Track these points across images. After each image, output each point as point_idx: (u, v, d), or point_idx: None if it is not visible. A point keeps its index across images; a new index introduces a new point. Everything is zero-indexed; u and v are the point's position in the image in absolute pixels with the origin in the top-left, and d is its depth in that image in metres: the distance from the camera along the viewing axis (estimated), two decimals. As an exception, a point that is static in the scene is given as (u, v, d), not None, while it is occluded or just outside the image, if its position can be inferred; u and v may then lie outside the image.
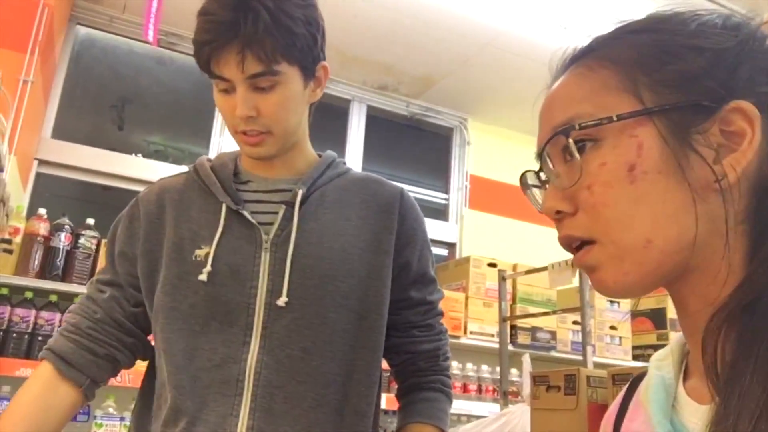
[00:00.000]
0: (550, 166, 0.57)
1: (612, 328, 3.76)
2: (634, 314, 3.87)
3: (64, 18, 3.31)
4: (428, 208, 4.35)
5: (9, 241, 2.44)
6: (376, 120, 4.22)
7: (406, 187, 3.84)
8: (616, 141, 0.53)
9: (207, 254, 1.03)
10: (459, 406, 3.17)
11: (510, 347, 3.37)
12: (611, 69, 0.55)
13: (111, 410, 2.54)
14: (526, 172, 0.61)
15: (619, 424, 0.64)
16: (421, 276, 1.17)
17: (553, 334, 3.55)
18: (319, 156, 1.19)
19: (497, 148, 4.35)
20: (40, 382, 1.03)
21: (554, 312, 2.78)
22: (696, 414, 0.54)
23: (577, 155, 0.53)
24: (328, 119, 4.18)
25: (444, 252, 4.28)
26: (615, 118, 0.52)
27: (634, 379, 0.68)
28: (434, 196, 4.39)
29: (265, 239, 1.05)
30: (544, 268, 2.46)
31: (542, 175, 0.59)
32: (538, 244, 3.78)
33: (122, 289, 1.12)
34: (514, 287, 3.49)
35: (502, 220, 4.24)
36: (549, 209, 0.56)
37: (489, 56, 3.61)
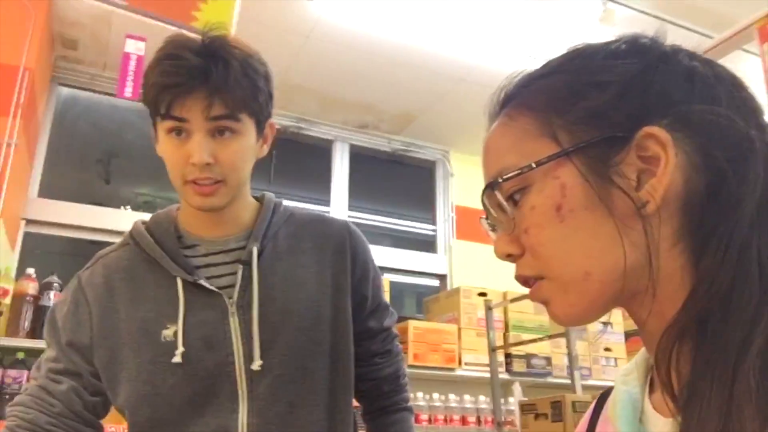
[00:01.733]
0: (493, 214, 0.59)
1: (607, 349, 3.77)
2: (628, 334, 3.88)
3: (46, 79, 3.38)
4: (416, 241, 4.38)
5: (-3, 303, 2.45)
6: (359, 157, 4.28)
7: (393, 221, 3.86)
8: (541, 185, 0.55)
9: (176, 332, 1.02)
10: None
11: (506, 375, 3.39)
12: (528, 116, 0.57)
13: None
14: (482, 219, 0.64)
15: None
16: (377, 306, 1.21)
17: (548, 359, 3.56)
18: (257, 200, 1.18)
19: (480, 178, 4.40)
20: None
21: (542, 339, 2.80)
22: (662, 427, 0.54)
23: (505, 206, 0.56)
24: (313, 160, 4.24)
25: (435, 283, 4.30)
26: (534, 165, 0.54)
27: (602, 395, 0.68)
28: (422, 228, 4.43)
29: (230, 303, 1.05)
30: (527, 295, 2.48)
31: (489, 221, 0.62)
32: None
33: (81, 378, 1.07)
34: (506, 315, 3.51)
35: (490, 248, 4.26)
36: (500, 254, 0.59)
37: (464, 91, 3.69)
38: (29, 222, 3.28)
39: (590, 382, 3.60)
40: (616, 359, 3.76)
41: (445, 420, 3.27)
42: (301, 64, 3.52)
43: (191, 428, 1.01)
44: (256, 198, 1.19)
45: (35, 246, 3.51)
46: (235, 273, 1.07)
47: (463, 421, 3.29)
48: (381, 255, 4.11)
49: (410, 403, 1.25)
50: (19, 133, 2.77)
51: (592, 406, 0.69)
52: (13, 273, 2.87)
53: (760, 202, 0.49)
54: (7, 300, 2.57)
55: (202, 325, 1.03)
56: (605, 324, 3.88)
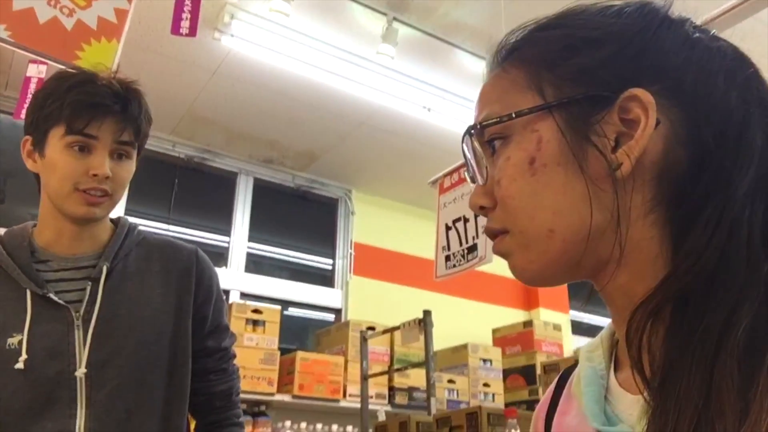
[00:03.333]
0: (472, 163, 0.59)
1: (485, 385, 3.98)
2: (507, 371, 4.12)
3: (-58, 94, 3.33)
4: (315, 275, 4.51)
5: None
6: (263, 191, 4.39)
7: (293, 254, 3.97)
8: (520, 137, 0.54)
9: (20, 341, 1.09)
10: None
11: (389, 408, 3.54)
12: (520, 68, 0.56)
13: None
14: (463, 172, 0.68)
15: (551, 418, 0.63)
16: (216, 326, 1.33)
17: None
18: (112, 222, 1.29)
19: (379, 217, 4.62)
20: None
21: (405, 368, 2.98)
22: (629, 404, 0.53)
23: (481, 152, 0.57)
24: (216, 191, 4.31)
25: (331, 317, 4.42)
26: (514, 115, 0.54)
27: (564, 372, 0.68)
28: (321, 263, 4.56)
29: (76, 316, 1.14)
30: (398, 327, 2.66)
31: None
32: (419, 306, 4.00)
33: None
34: (392, 349, 3.67)
35: (385, 285, 4.45)
36: (473, 205, 0.58)
37: (364, 133, 3.90)
38: None
39: (470, 416, 3.80)
40: (494, 395, 3.98)
41: (327, 450, 3.36)
42: (207, 97, 3.63)
43: (33, 430, 1.08)
44: (112, 221, 1.30)
45: None
46: (84, 289, 1.17)
47: (345, 451, 3.40)
48: (279, 288, 4.20)
49: (242, 419, 1.35)
50: None
51: (555, 382, 0.68)
52: None
53: (753, 181, 0.48)
54: None
55: (47, 335, 1.12)
56: (485, 361, 4.12)
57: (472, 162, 0.59)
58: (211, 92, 3.59)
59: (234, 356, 1.38)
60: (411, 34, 3.19)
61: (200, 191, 4.28)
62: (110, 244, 1.23)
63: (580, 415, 0.57)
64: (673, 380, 0.44)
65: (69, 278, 1.18)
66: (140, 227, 1.32)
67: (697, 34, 0.55)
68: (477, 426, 1.59)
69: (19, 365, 1.08)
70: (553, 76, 0.54)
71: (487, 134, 0.57)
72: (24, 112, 2.60)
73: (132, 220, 3.54)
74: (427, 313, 2.58)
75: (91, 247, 1.22)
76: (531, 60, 0.56)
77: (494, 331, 4.34)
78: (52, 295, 1.14)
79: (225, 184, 4.30)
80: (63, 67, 1.47)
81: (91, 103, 1.15)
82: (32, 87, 2.62)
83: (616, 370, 0.58)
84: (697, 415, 0.42)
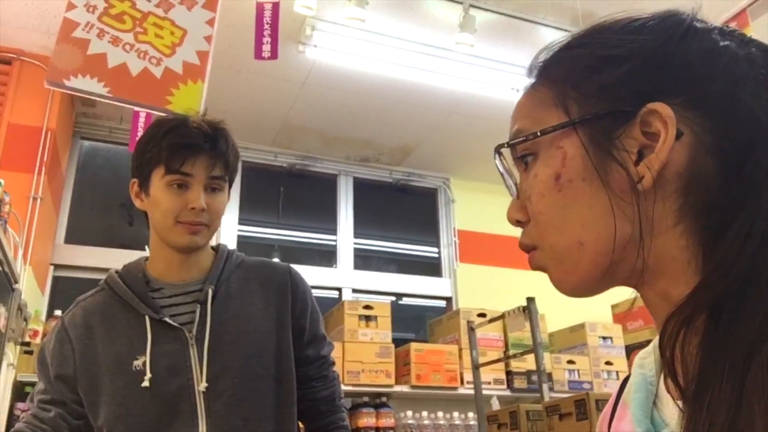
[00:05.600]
0: (505, 178, 0.60)
1: (607, 363, 3.89)
2: (630, 348, 3.99)
3: (68, 135, 3.69)
4: (422, 264, 4.57)
5: (28, 344, 2.72)
6: (363, 188, 4.51)
7: (398, 246, 4.06)
8: (546, 153, 0.56)
9: (144, 362, 1.23)
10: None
11: (507, 392, 3.55)
12: (548, 86, 0.58)
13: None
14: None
15: (611, 424, 0.65)
16: (314, 336, 1.41)
17: (549, 375, 3.69)
18: (213, 249, 1.41)
19: (480, 202, 4.60)
20: None
21: (514, 356, 2.98)
22: (673, 409, 0.54)
23: (511, 169, 0.59)
24: (318, 193, 4.48)
25: (442, 304, 4.47)
26: (539, 133, 0.56)
27: (625, 379, 0.68)
28: (427, 251, 4.62)
29: (190, 336, 1.27)
30: (503, 316, 2.66)
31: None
32: (530, 288, 3.97)
33: (66, 406, 1.28)
34: (505, 334, 3.67)
35: (493, 269, 4.44)
36: (510, 219, 0.60)
37: (456, 122, 3.91)
38: (57, 267, 3.57)
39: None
40: (617, 372, 3.88)
41: (450, 437, 3.43)
42: (300, 107, 3.78)
43: None
44: (212, 248, 1.42)
45: (64, 290, 3.79)
46: (194, 311, 1.30)
47: (468, 437, 3.44)
48: (388, 281, 4.31)
49: (347, 422, 1.44)
50: (44, 187, 3.07)
51: (616, 390, 0.69)
52: (43, 315, 3.15)
53: None
54: (38, 340, 2.84)
55: (166, 355, 1.25)
56: (605, 338, 4.02)
57: (506, 177, 0.60)
58: (303, 102, 3.73)
59: (333, 363, 1.46)
60: (489, 18, 3.16)
61: (304, 195, 4.47)
62: (213, 270, 1.35)
63: (632, 421, 0.58)
64: (705, 390, 0.45)
65: (180, 302, 1.31)
66: (237, 252, 1.43)
67: (725, 42, 0.55)
68: (586, 412, 1.59)
69: (146, 383, 1.22)
70: (578, 94, 0.56)
71: (519, 150, 0.58)
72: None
73: (243, 229, 3.74)
74: (530, 300, 2.57)
75: (197, 273, 1.34)
76: (557, 78, 0.58)
77: (613, 307, 4.20)
78: (167, 319, 1.27)
79: (327, 186, 4.45)
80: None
81: (185, 144, 1.27)
82: (141, 120, 2.86)
83: (666, 377, 0.58)
84: (729, 424, 0.42)
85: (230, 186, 1.36)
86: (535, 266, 0.59)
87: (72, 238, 3.72)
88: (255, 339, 1.30)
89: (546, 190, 0.55)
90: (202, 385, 1.23)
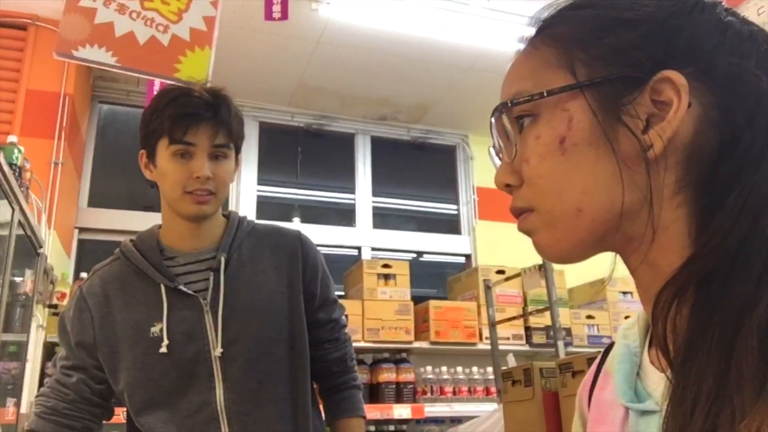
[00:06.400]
0: (498, 140, 0.59)
1: (627, 317, 3.88)
2: (650, 302, 3.98)
3: (87, 99, 3.72)
4: (442, 223, 4.58)
5: (55, 306, 2.80)
6: (381, 146, 4.50)
7: (418, 204, 4.08)
8: (550, 115, 0.54)
9: (161, 329, 1.27)
10: (483, 407, 3.36)
11: (526, 347, 3.59)
12: (552, 46, 0.56)
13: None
14: (489, 148, 0.64)
15: (593, 392, 0.65)
16: (325, 300, 1.44)
17: (568, 330, 3.72)
18: (225, 216, 1.42)
19: (500, 159, 4.56)
20: None
21: (530, 313, 2.99)
22: (657, 381, 0.55)
23: (510, 130, 0.56)
24: (336, 152, 4.48)
25: (462, 261, 4.49)
26: (545, 94, 0.54)
27: (607, 348, 0.69)
28: (446, 208, 4.62)
29: (204, 303, 1.30)
30: (519, 274, 2.67)
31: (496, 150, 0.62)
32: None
33: (87, 371, 1.32)
34: (524, 290, 3.68)
35: (512, 226, 4.40)
36: (499, 183, 0.59)
37: (472, 78, 3.85)
38: (82, 230, 3.65)
39: (612, 349, 3.75)
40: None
41: (469, 391, 3.49)
42: (315, 66, 3.75)
43: (179, 405, 1.26)
44: (224, 215, 1.44)
45: (90, 252, 3.88)
46: (207, 279, 1.32)
47: (487, 391, 3.50)
48: (407, 239, 4.33)
49: (359, 382, 1.48)
50: (65, 152, 3.11)
51: (598, 359, 0.69)
52: (69, 278, 3.23)
53: None
54: (65, 302, 2.92)
55: (182, 322, 1.29)
56: (625, 293, 4.01)
57: (500, 139, 0.59)
58: (319, 61, 3.70)
59: (345, 326, 1.49)
60: (506, -31, 3.07)
61: (322, 155, 4.47)
62: (225, 237, 1.37)
63: (614, 391, 0.59)
64: (694, 357, 0.45)
65: (194, 270, 1.34)
66: (248, 219, 1.45)
67: (729, 18, 0.55)
68: (599, 370, 1.60)
69: (163, 349, 1.26)
70: (585, 56, 0.54)
71: (516, 111, 0.56)
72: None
73: (263, 189, 3.75)
74: (546, 258, 2.56)
75: (209, 241, 1.36)
76: (563, 38, 0.56)
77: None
78: (182, 287, 1.30)
79: (344, 145, 4.45)
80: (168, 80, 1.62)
81: (186, 114, 1.27)
82: (156, 86, 2.87)
83: (650, 348, 0.59)
84: (716, 390, 0.43)
85: (237, 152, 1.37)
86: (525, 229, 0.58)
87: (95, 201, 3.79)
88: (268, 305, 1.33)
89: (548, 153, 0.54)
90: (218, 351, 1.27)
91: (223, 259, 1.33)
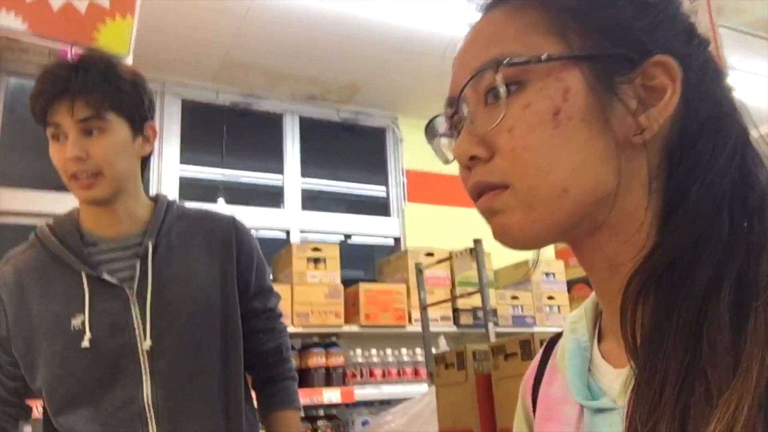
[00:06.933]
0: (469, 107, 0.54)
1: (550, 298, 4.01)
2: (572, 282, 4.12)
3: (-8, 71, 3.45)
4: (371, 205, 4.56)
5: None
6: (310, 127, 4.41)
7: (347, 186, 4.01)
8: (542, 84, 0.50)
9: (83, 322, 1.17)
10: (412, 389, 3.39)
11: (454, 329, 3.64)
12: (540, 11, 0.53)
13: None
14: (434, 118, 0.59)
15: (537, 388, 0.64)
16: (260, 289, 1.38)
17: (494, 311, 3.79)
18: (152, 200, 1.33)
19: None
20: None
21: (462, 296, 3.04)
22: (613, 377, 0.53)
23: (503, 92, 0.51)
24: (264, 132, 4.36)
25: (390, 243, 4.49)
26: (545, 58, 0.50)
27: (549, 342, 0.68)
28: (375, 190, 4.60)
29: (130, 293, 1.21)
30: (450, 256, 2.69)
31: (454, 121, 0.57)
32: (477, 227, 4.01)
33: (0, 369, 1.24)
34: (452, 272, 3.72)
35: (441, 209, 4.46)
36: (463, 153, 0.53)
37: (404, 59, 3.82)
38: (-12, 212, 3.40)
39: (537, 329, 3.86)
40: (559, 306, 4.01)
41: (399, 373, 3.51)
42: (242, 41, 3.62)
43: (103, 402, 1.18)
44: (151, 198, 1.34)
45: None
46: (134, 267, 1.23)
47: (415, 372, 3.53)
48: (337, 222, 4.29)
49: (294, 373, 1.44)
50: (-33, 128, 2.87)
51: (540, 352, 0.68)
52: (-26, 262, 3.00)
53: (730, 155, 0.49)
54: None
55: (106, 313, 1.20)
56: (548, 274, 4.13)
57: (469, 105, 0.54)
58: (245, 36, 3.57)
59: (281, 315, 1.44)
60: (438, -50, 3.04)
61: (249, 134, 4.34)
62: (152, 222, 1.27)
63: (564, 387, 0.57)
64: (661, 339, 0.44)
65: (118, 258, 1.25)
66: (178, 202, 1.36)
67: (691, 20, 0.56)
68: (531, 352, 1.63)
69: (85, 343, 1.17)
70: (578, 27, 0.51)
71: (503, 74, 0.51)
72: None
73: (186, 169, 3.57)
74: (477, 242, 2.59)
75: (133, 226, 1.27)
76: (554, 4, 0.53)
77: (556, 244, 4.30)
78: (106, 276, 1.21)
79: (272, 124, 4.34)
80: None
81: (39, 93, 1.16)
82: (69, 54, 2.69)
83: (599, 342, 0.58)
84: (686, 368, 0.42)
85: (135, 121, 1.22)
86: (492, 207, 0.52)
87: (2, 181, 3.53)
88: (199, 295, 1.26)
89: (539, 125, 0.50)
90: (146, 344, 1.19)
91: (150, 246, 1.24)
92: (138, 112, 1.23)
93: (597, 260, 0.54)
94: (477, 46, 0.55)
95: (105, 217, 1.25)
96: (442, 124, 0.59)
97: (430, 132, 0.60)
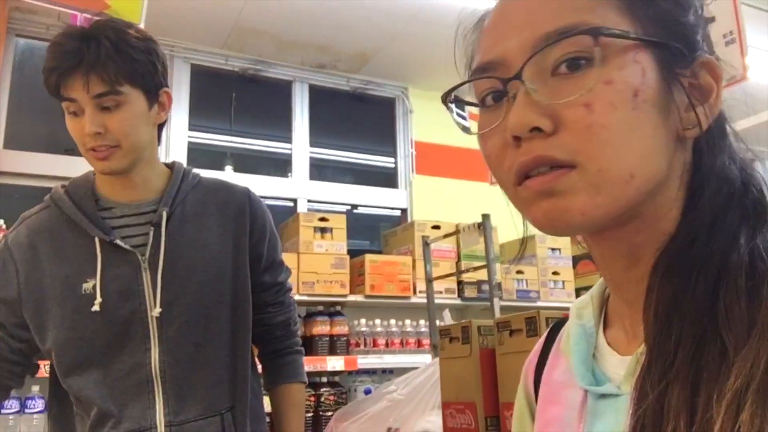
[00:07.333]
0: (532, 74, 0.50)
1: (554, 273, 4.02)
2: (577, 258, 4.13)
3: (1, 32, 3.43)
4: (379, 176, 4.56)
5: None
6: (319, 95, 4.39)
7: (355, 156, 4.00)
8: (621, 62, 0.48)
9: (94, 286, 1.18)
10: (415, 359, 3.43)
11: (458, 301, 3.66)
12: None
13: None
14: (462, 84, 0.56)
15: (540, 371, 0.64)
16: (271, 262, 1.39)
17: (499, 285, 3.80)
18: (168, 167, 1.33)
19: (438, 113, 4.54)
20: None
21: (468, 270, 3.05)
22: (617, 364, 0.54)
23: (594, 56, 0.48)
24: (273, 99, 4.34)
25: (397, 214, 4.50)
26: (633, 36, 0.49)
27: (554, 326, 0.68)
28: (383, 161, 4.59)
29: (143, 260, 1.22)
30: (457, 230, 2.69)
31: (491, 89, 0.54)
32: (485, 201, 4.01)
33: (5, 329, 1.25)
34: (458, 246, 3.73)
35: (449, 182, 4.46)
36: (525, 124, 0.49)
37: (416, 29, 3.77)
38: (-1, 173, 3.42)
39: (540, 303, 3.89)
40: (563, 282, 4.03)
41: (401, 343, 3.54)
42: (253, 7, 3.58)
43: (111, 366, 1.20)
44: (167, 165, 1.34)
45: (7, 197, 3.65)
46: (147, 234, 1.24)
47: (419, 343, 3.57)
48: (344, 192, 4.29)
49: (300, 347, 1.45)
50: (-23, 90, 2.87)
51: (544, 336, 0.68)
52: (-16, 224, 3.03)
53: (729, 155, 0.53)
54: (-20, 250, 2.74)
55: (117, 278, 1.21)
56: (553, 249, 4.13)
57: (533, 72, 0.49)
58: (256, 2, 3.53)
59: (290, 289, 1.45)
60: None
61: (258, 101, 4.32)
62: (168, 190, 1.28)
63: (568, 372, 0.58)
64: (677, 305, 0.45)
65: (132, 224, 1.25)
66: (194, 171, 1.36)
67: None
68: (536, 329, 1.64)
69: (95, 308, 1.18)
70: (645, 12, 0.50)
71: (576, 45, 0.48)
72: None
73: (194, 136, 3.54)
74: (485, 217, 2.59)
75: (149, 193, 1.28)
76: None
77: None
78: (118, 241, 1.21)
79: (281, 92, 4.31)
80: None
81: (52, 68, 1.14)
82: (80, 18, 2.66)
83: (605, 329, 0.58)
84: (702, 331, 0.42)
85: (149, 91, 1.21)
86: (554, 188, 0.48)
87: (12, 143, 3.54)
88: (210, 265, 1.26)
89: (621, 104, 0.47)
90: (156, 311, 1.20)
91: (165, 214, 1.24)
92: (153, 80, 1.21)
93: (619, 249, 0.53)
94: (544, 12, 0.50)
95: (121, 185, 1.26)
96: (466, 92, 0.56)
97: (451, 99, 0.57)
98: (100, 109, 1.15)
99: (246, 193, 1.37)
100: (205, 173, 1.41)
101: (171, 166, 1.34)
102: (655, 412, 0.42)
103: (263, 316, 1.38)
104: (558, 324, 0.67)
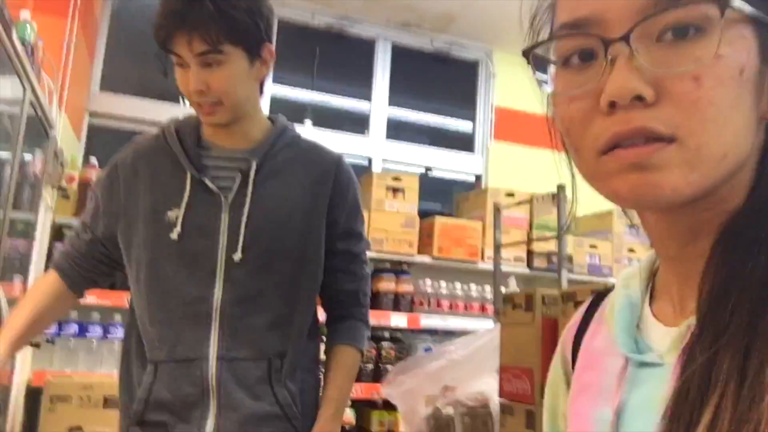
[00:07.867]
0: (631, 42, 0.46)
1: (630, 250, 3.91)
2: (655, 237, 3.99)
3: (102, -22, 3.58)
4: (455, 139, 4.52)
5: (64, 189, 2.81)
6: (402, 54, 4.36)
7: (432, 117, 4.00)
8: (731, 36, 0.46)
9: (177, 217, 1.27)
10: (477, 324, 3.44)
11: (527, 270, 3.63)
12: None
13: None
14: (546, 42, 0.53)
15: (579, 339, 0.64)
16: (347, 232, 1.41)
17: (570, 258, 3.73)
18: (271, 121, 1.39)
19: (523, 79, 4.41)
20: (49, 284, 1.40)
21: (537, 239, 3.00)
22: (662, 334, 0.53)
23: (714, 19, 0.46)
24: (355, 56, 4.35)
25: (471, 180, 4.46)
26: (750, 11, 0.46)
27: (597, 296, 0.67)
28: (461, 125, 4.54)
29: (225, 203, 1.28)
30: (531, 199, 2.65)
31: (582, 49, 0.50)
32: (562, 172, 3.91)
33: (97, 236, 1.38)
34: (531, 214, 3.68)
35: (527, 150, 4.37)
36: (629, 90, 0.46)
37: (504, -10, 3.67)
38: (93, 114, 3.61)
39: (610, 279, 3.80)
40: (639, 260, 3.90)
41: (465, 307, 3.56)
42: (341, -38, 3.58)
43: (176, 293, 1.27)
44: (271, 119, 1.40)
45: (100, 137, 3.85)
46: (234, 179, 1.31)
47: (482, 308, 3.57)
48: (419, 154, 4.29)
49: (367, 318, 1.46)
50: (78, 33, 3.02)
51: (586, 304, 0.67)
52: (79, 161, 3.23)
53: None
54: (74, 185, 2.93)
55: (199, 215, 1.28)
56: (632, 227, 4.00)
57: (636, 37, 0.46)
58: (345, -43, 3.53)
59: (365, 262, 1.47)
60: None
61: (341, 58, 4.35)
62: (263, 143, 1.34)
63: (610, 339, 0.57)
64: (734, 281, 0.45)
65: (223, 166, 1.33)
66: (294, 132, 1.41)
67: None
68: (602, 303, 1.60)
69: (174, 236, 1.26)
70: None
71: (694, 12, 0.45)
72: None
73: (277, 89, 3.60)
74: (561, 188, 2.54)
75: (246, 143, 1.34)
76: None
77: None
78: (207, 181, 1.29)
79: (364, 50, 4.32)
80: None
81: (159, 26, 1.21)
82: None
83: (651, 301, 0.58)
84: (760, 301, 0.42)
85: (251, 49, 1.26)
86: (649, 162, 0.46)
87: (107, 86, 3.72)
88: (285, 219, 1.31)
89: (729, 80, 0.45)
90: (237, 256, 1.27)
91: (254, 165, 1.31)
92: (254, 38, 1.26)
93: (682, 224, 0.52)
94: None
95: (222, 132, 1.34)
96: (550, 51, 0.53)
97: (538, 59, 0.53)
98: (204, 65, 1.22)
99: (336, 160, 1.41)
100: (313, 138, 1.46)
101: (273, 120, 1.40)
102: (702, 376, 0.42)
103: (332, 280, 1.41)
104: (599, 296, 0.67)
